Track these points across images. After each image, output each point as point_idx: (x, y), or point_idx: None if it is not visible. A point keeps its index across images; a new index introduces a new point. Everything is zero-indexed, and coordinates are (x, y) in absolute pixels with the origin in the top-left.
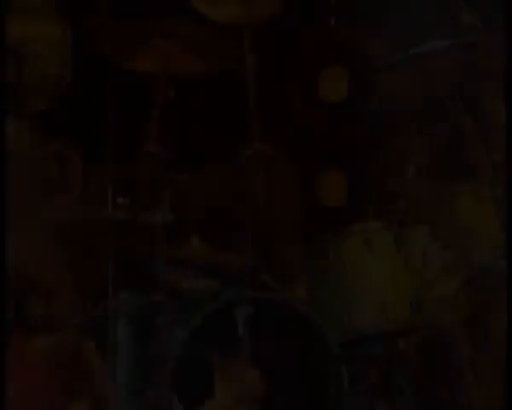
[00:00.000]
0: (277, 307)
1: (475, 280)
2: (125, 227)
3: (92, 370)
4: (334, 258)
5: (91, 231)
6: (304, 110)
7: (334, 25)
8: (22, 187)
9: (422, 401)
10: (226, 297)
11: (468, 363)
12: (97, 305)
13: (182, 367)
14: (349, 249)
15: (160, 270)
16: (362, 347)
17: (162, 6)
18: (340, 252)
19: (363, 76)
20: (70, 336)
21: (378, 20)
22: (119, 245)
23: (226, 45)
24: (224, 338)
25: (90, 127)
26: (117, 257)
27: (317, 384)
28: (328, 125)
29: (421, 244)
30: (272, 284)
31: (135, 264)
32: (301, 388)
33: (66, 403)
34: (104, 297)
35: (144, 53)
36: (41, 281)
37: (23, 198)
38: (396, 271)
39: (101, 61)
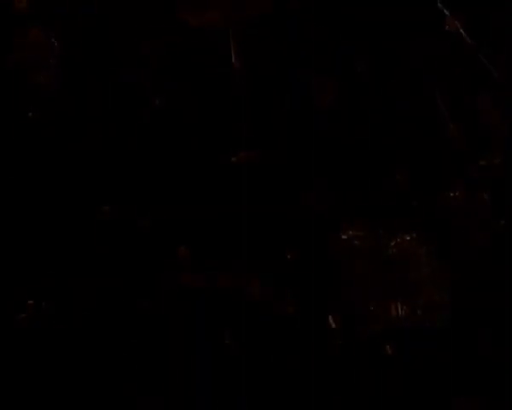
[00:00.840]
0: (265, 312)
1: (464, 285)
2: (109, 233)
3: None
4: (320, 263)
5: (75, 237)
6: (290, 114)
7: (316, 29)
8: None
9: (410, 406)
10: (213, 304)
11: (456, 367)
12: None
13: None
14: (335, 254)
15: (146, 276)
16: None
17: (148, 14)
18: (326, 257)
19: (348, 80)
20: None
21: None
22: (104, 251)
23: (212, 52)
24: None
25: (76, 134)
26: (102, 263)
27: (302, 388)
28: (315, 128)
29: (408, 249)
30: (260, 291)
31: (121, 270)
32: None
33: None
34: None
35: (131, 60)
36: None
37: None
38: (382, 276)
39: (88, 68)
